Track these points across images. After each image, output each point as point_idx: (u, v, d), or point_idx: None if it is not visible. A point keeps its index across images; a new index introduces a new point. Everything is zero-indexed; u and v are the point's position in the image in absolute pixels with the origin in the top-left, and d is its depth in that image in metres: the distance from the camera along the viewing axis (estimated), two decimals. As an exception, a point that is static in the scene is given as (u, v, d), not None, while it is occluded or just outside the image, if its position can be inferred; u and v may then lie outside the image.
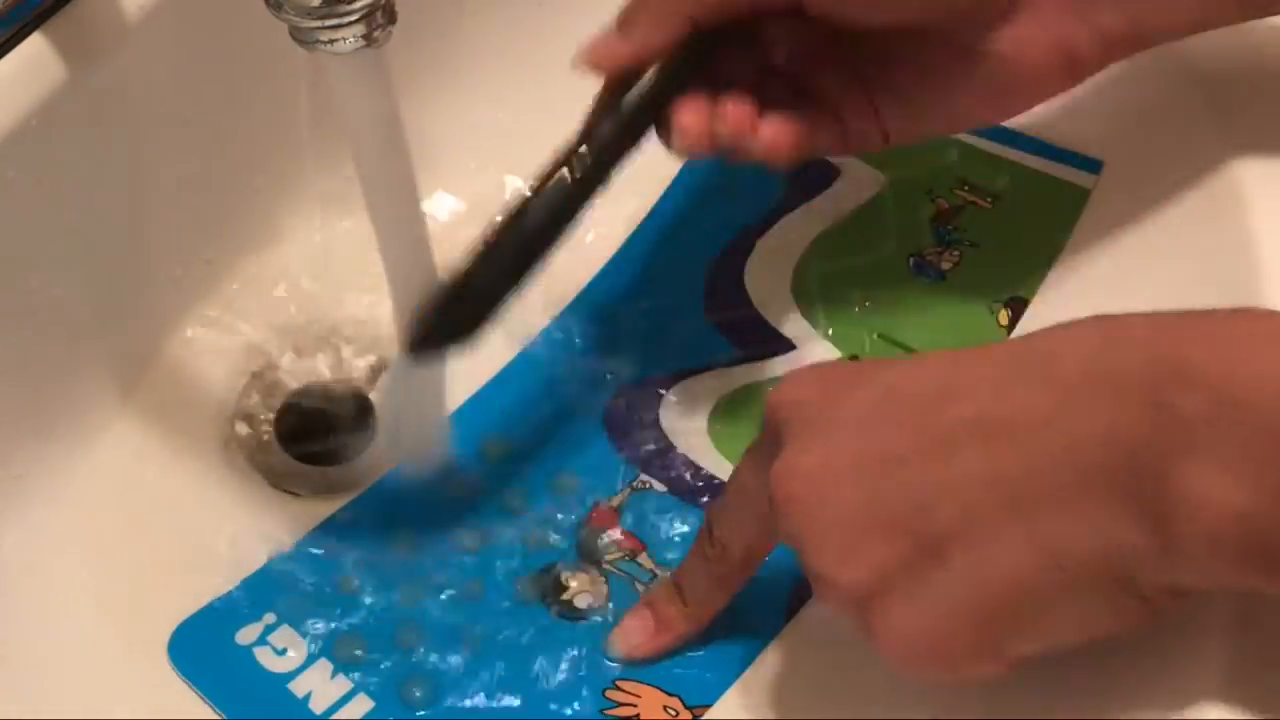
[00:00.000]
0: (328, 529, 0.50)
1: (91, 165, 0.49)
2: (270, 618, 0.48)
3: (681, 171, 0.58)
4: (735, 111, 0.45)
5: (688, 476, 0.51)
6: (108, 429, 0.52)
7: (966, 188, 0.55)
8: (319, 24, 0.38)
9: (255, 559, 0.50)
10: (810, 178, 0.56)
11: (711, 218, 0.57)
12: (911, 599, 0.36)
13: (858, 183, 0.56)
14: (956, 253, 0.54)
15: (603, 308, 0.55)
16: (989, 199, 0.55)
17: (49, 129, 0.46)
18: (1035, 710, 0.40)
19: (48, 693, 0.46)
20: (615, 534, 0.50)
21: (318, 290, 0.56)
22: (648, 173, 0.56)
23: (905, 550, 0.36)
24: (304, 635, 0.48)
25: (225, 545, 0.51)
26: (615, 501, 0.51)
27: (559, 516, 0.51)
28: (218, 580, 0.49)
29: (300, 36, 0.39)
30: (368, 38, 0.39)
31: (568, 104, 0.59)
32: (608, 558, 0.49)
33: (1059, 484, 0.34)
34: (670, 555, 0.49)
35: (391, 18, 0.39)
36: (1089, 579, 0.35)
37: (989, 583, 0.35)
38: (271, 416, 0.54)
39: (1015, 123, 0.53)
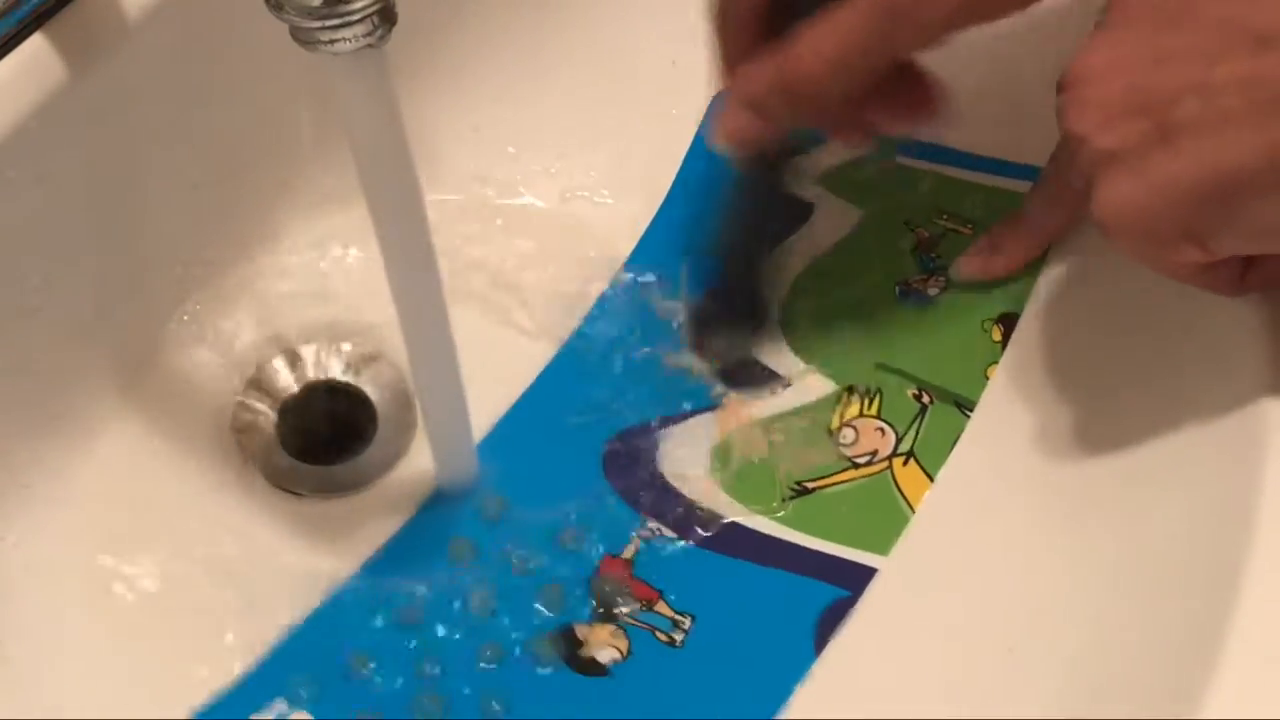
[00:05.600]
0: (333, 609, 0.49)
1: (91, 165, 0.49)
2: (282, 705, 0.47)
3: (658, 215, 0.57)
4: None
5: (695, 520, 0.51)
6: (107, 428, 0.52)
7: (945, 216, 0.55)
8: (320, 24, 0.38)
9: (254, 560, 0.50)
10: (784, 214, 0.56)
11: (691, 260, 0.56)
12: (1136, 173, 0.39)
13: (833, 218, 0.56)
14: (942, 279, 0.54)
15: (588, 356, 0.54)
16: (969, 225, 0.55)
17: (49, 129, 0.46)
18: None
19: (48, 693, 0.46)
20: (628, 584, 0.49)
21: (318, 289, 0.56)
22: (625, 197, 0.56)
23: (1148, 130, 0.39)
24: (317, 716, 0.47)
25: (226, 545, 0.51)
26: (626, 553, 0.50)
27: (568, 573, 0.50)
28: (218, 580, 0.49)
29: (301, 37, 0.39)
30: (368, 38, 0.39)
31: (568, 104, 0.59)
32: (624, 610, 0.49)
33: None
34: (688, 600, 0.49)
35: (392, 18, 0.39)
36: None
37: (1208, 169, 0.38)
38: (272, 416, 0.54)
39: (985, 149, 0.54)
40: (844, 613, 0.48)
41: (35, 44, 0.45)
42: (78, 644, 0.48)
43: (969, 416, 0.51)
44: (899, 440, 0.51)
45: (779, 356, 0.54)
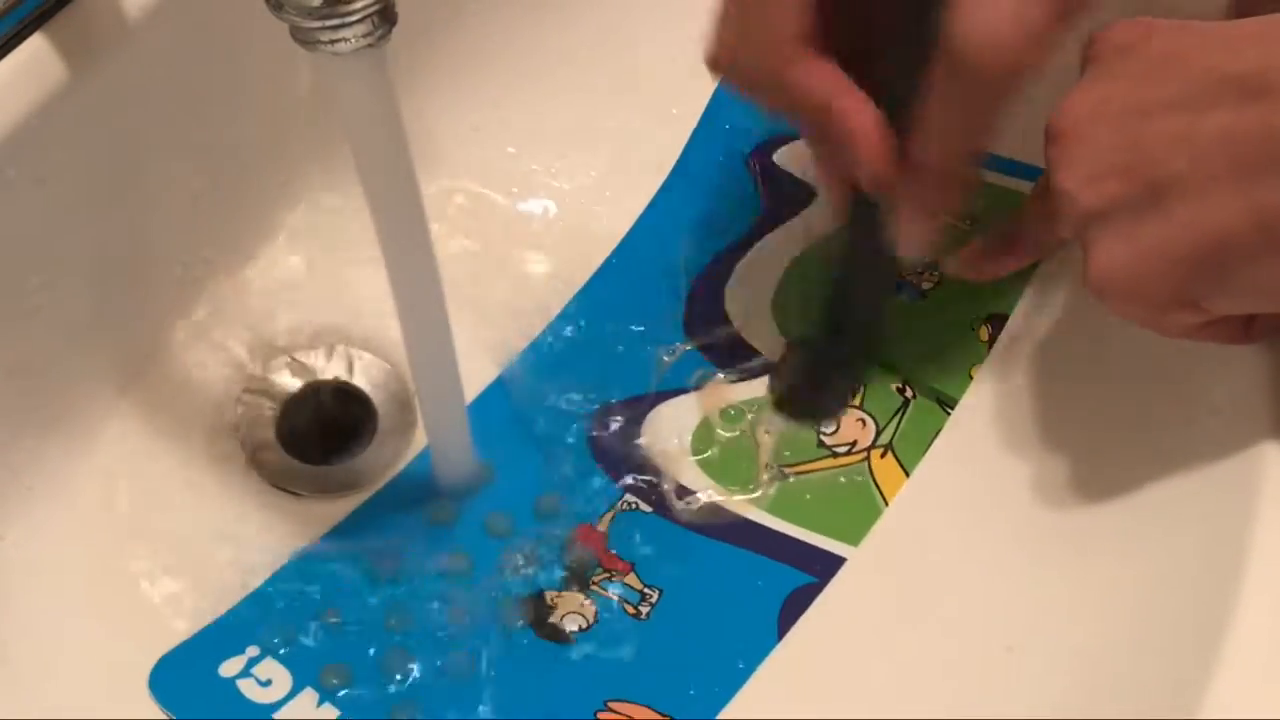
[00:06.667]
0: (308, 558, 0.50)
1: (91, 165, 0.48)
2: (254, 650, 0.48)
3: (658, 195, 0.57)
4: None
5: (673, 497, 0.51)
6: (108, 428, 0.52)
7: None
8: (320, 24, 0.38)
9: (253, 561, 0.50)
10: (786, 200, 0.56)
11: (689, 241, 0.56)
12: (1125, 237, 0.39)
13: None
14: (935, 274, 0.54)
15: (582, 330, 0.55)
16: (966, 220, 0.55)
17: (49, 129, 0.46)
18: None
19: (48, 693, 0.46)
20: (601, 554, 0.50)
21: (318, 289, 0.56)
22: (625, 196, 0.56)
23: (1135, 191, 0.38)
24: (288, 666, 0.47)
25: (226, 545, 0.51)
26: (601, 524, 0.50)
27: (543, 539, 0.50)
28: (218, 580, 0.49)
29: (301, 37, 0.39)
30: (368, 38, 0.39)
31: (568, 104, 0.59)
32: (594, 579, 0.49)
33: None
34: (657, 575, 0.49)
35: (392, 18, 0.39)
36: None
37: (1197, 233, 0.38)
38: (272, 416, 0.54)
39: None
40: (809, 599, 0.48)
41: (35, 44, 0.45)
42: (78, 644, 0.48)
43: (949, 414, 0.51)
44: (879, 433, 0.51)
45: (768, 340, 0.54)
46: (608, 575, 0.49)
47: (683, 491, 0.51)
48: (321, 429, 0.54)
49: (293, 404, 0.54)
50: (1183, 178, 0.38)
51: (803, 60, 0.43)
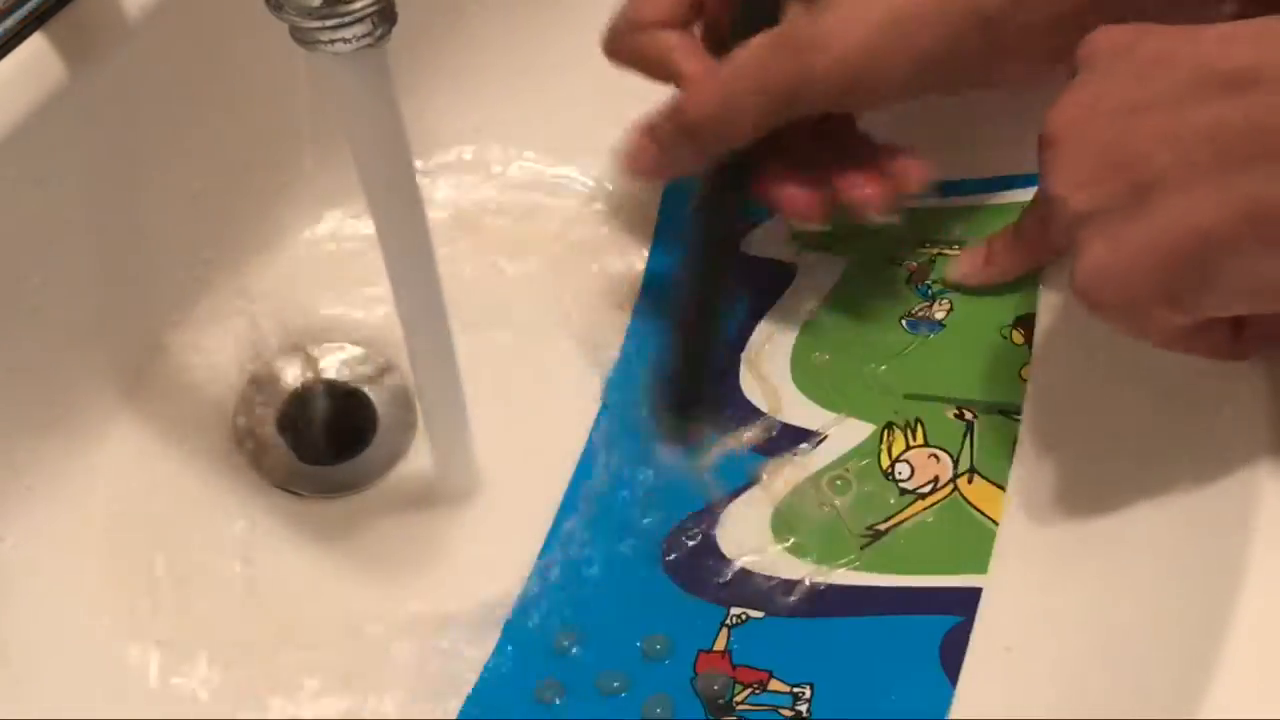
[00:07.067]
0: None
1: (91, 165, 0.48)
2: None
3: (637, 309, 0.56)
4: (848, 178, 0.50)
5: (778, 594, 0.49)
6: (108, 428, 0.52)
7: (928, 244, 0.55)
8: (319, 24, 0.38)
9: (254, 560, 0.50)
10: (768, 280, 0.55)
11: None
12: (1111, 238, 0.39)
13: (818, 274, 0.55)
14: (946, 302, 0.54)
15: (612, 468, 0.53)
16: (955, 246, 0.54)
17: (49, 129, 0.46)
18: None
19: (48, 693, 0.46)
20: (734, 674, 0.47)
21: (318, 289, 0.56)
22: (626, 197, 0.56)
23: (1122, 191, 0.38)
24: None
25: (225, 545, 0.51)
26: (718, 644, 0.48)
27: (667, 682, 0.47)
28: (217, 580, 0.49)
29: (301, 37, 0.39)
30: (368, 38, 0.39)
31: (568, 104, 0.59)
32: (737, 700, 0.47)
33: (1277, 141, 0.36)
34: (799, 671, 0.47)
35: (392, 18, 0.39)
36: (1275, 240, 0.36)
37: (1181, 228, 0.37)
38: (273, 416, 0.54)
39: (949, 174, 0.54)
40: (963, 638, 0.46)
41: (35, 44, 0.45)
42: (78, 644, 0.48)
43: (1016, 420, 0.50)
44: (956, 461, 0.50)
45: (806, 414, 0.52)
46: (750, 690, 0.47)
47: (786, 585, 0.49)
48: (322, 429, 0.54)
49: (293, 404, 0.54)
50: (1168, 174, 0.38)
51: (659, 34, 0.51)
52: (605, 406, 0.54)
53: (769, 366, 0.54)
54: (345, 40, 0.39)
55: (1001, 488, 0.49)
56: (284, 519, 0.51)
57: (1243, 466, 0.42)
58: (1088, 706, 0.42)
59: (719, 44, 0.50)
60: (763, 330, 0.55)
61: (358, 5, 0.38)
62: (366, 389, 0.55)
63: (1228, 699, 0.38)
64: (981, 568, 0.48)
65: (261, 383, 0.54)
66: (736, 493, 0.51)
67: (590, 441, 0.53)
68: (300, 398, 0.54)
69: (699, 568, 0.50)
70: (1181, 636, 0.41)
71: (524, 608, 0.49)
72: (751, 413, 0.53)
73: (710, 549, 0.50)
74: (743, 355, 0.54)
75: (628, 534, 0.51)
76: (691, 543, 0.50)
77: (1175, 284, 0.39)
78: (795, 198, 0.51)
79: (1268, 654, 0.38)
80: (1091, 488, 0.47)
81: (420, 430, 0.53)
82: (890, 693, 0.46)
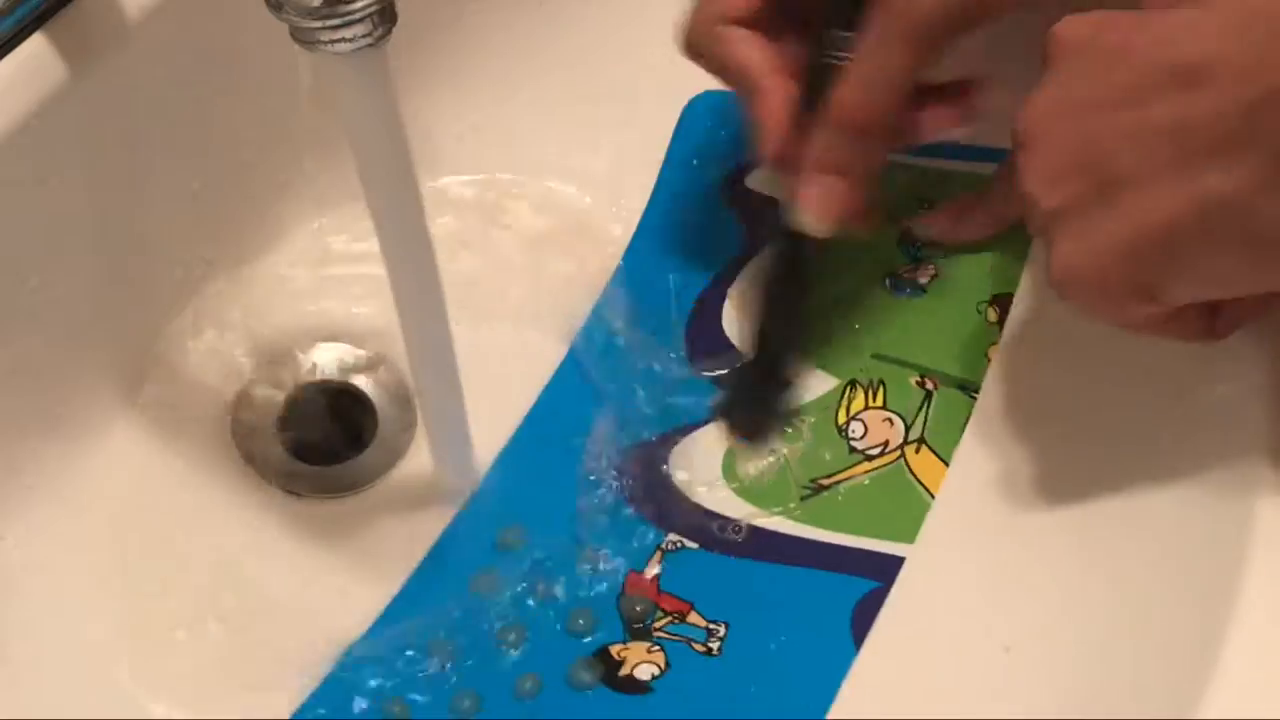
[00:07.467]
0: (363, 649, 0.48)
1: (91, 165, 0.48)
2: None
3: (639, 228, 0.57)
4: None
5: (715, 528, 0.50)
6: (108, 428, 0.52)
7: (926, 205, 0.55)
8: (320, 24, 0.38)
9: (254, 560, 0.50)
10: (766, 220, 0.55)
11: (677, 274, 0.56)
12: (1079, 234, 0.40)
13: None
14: (931, 267, 0.54)
15: (587, 377, 0.54)
16: (928, 203, 0.55)
17: (49, 129, 0.46)
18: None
19: (48, 693, 0.46)
20: (656, 599, 0.49)
21: (319, 289, 0.56)
22: (626, 198, 0.56)
23: (1090, 189, 0.39)
24: None
25: (225, 546, 0.51)
26: (649, 569, 0.50)
27: (595, 595, 0.49)
28: (217, 580, 0.49)
29: (301, 37, 0.39)
30: (368, 38, 0.39)
31: (568, 104, 0.59)
32: (656, 625, 0.48)
33: (1235, 134, 0.36)
34: (719, 608, 0.48)
35: (392, 18, 0.39)
36: (1238, 230, 0.37)
37: (1144, 223, 0.38)
38: (272, 416, 0.54)
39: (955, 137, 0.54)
40: (878, 604, 0.48)
41: (35, 44, 0.45)
42: (78, 644, 0.48)
43: (974, 398, 0.51)
44: (908, 428, 0.51)
45: None
46: (669, 619, 0.49)
47: (725, 522, 0.50)
48: (322, 429, 0.54)
49: (293, 404, 0.54)
50: (1132, 171, 0.38)
51: (735, 39, 0.49)
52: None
53: (752, 306, 0.55)
54: (345, 40, 0.39)
55: (945, 462, 0.50)
56: (283, 519, 0.51)
57: (1220, 474, 0.43)
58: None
59: (794, 31, 0.49)
60: (754, 267, 0.55)
61: (358, 5, 0.38)
62: (366, 389, 0.55)
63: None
64: (910, 537, 0.49)
65: (261, 383, 0.54)
66: (695, 425, 0.52)
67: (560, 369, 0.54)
68: (300, 398, 0.54)
69: (646, 489, 0.51)
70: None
71: (479, 496, 0.51)
72: (728, 349, 0.54)
73: (660, 474, 0.52)
74: (731, 288, 0.55)
75: (584, 452, 0.52)
76: (642, 467, 0.52)
77: (1143, 275, 0.39)
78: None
79: (1267, 650, 0.38)
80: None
81: (420, 430, 0.53)
82: (799, 645, 0.47)
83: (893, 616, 0.48)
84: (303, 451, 0.53)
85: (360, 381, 0.55)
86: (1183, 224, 0.38)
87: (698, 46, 0.50)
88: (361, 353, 0.55)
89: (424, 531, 0.51)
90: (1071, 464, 0.48)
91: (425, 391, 0.50)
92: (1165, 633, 0.42)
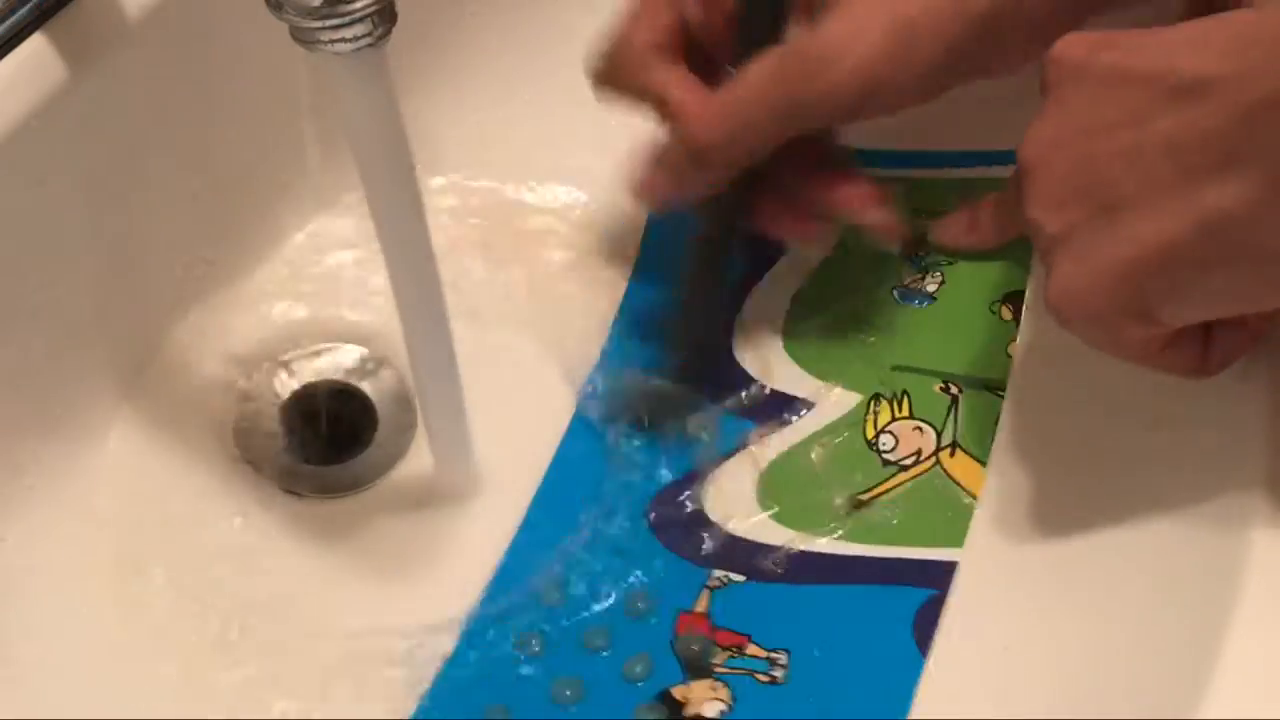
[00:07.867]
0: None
1: (91, 165, 0.49)
2: None
3: (637, 267, 0.57)
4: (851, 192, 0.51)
5: (759, 558, 0.49)
6: (108, 429, 0.52)
7: (923, 215, 0.55)
8: (320, 24, 0.38)
9: (255, 561, 0.50)
10: (765, 245, 0.55)
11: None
12: (1079, 258, 0.40)
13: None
14: (938, 274, 0.54)
15: (604, 421, 0.53)
16: (928, 214, 0.55)
17: (49, 129, 0.46)
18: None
19: (48, 693, 0.46)
20: (711, 635, 0.48)
21: (319, 289, 0.56)
22: (626, 197, 0.56)
23: (1091, 213, 0.40)
24: None
25: (226, 546, 0.51)
26: (699, 606, 0.49)
27: (647, 640, 0.48)
28: (218, 580, 0.49)
29: (301, 37, 0.39)
30: (368, 37, 0.39)
31: (568, 104, 0.59)
32: (714, 662, 0.48)
33: (1233, 148, 0.36)
34: (776, 636, 0.48)
35: (392, 17, 0.39)
36: (1238, 246, 0.37)
37: (1142, 245, 0.38)
38: (273, 416, 0.54)
39: (947, 144, 0.55)
40: (937, 611, 0.47)
41: (35, 44, 0.45)
42: (78, 644, 0.48)
43: (1001, 397, 0.51)
44: (939, 434, 0.51)
45: (795, 381, 0.53)
46: (728, 653, 0.48)
47: (767, 550, 0.50)
48: (322, 429, 0.54)
49: (293, 404, 0.54)
50: (1132, 193, 0.38)
51: (654, 66, 0.51)
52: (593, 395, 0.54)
53: (762, 333, 0.55)
54: (345, 40, 0.39)
55: (982, 463, 0.50)
56: (283, 519, 0.51)
57: (1241, 452, 0.43)
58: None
59: (706, 69, 0.51)
60: (757, 296, 0.55)
61: (358, 5, 0.38)
62: (366, 389, 0.55)
63: (1227, 700, 0.38)
64: (958, 541, 0.48)
65: (261, 383, 0.54)
66: (725, 457, 0.52)
67: (576, 419, 0.54)
68: (300, 398, 0.54)
69: (684, 530, 0.51)
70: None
71: (512, 557, 0.50)
72: (743, 379, 0.54)
73: (695, 511, 0.51)
74: (737, 320, 0.55)
75: (615, 495, 0.51)
76: (677, 506, 0.51)
77: (1141, 297, 0.39)
78: (802, 230, 0.53)
79: (1269, 651, 0.38)
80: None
81: (420, 430, 0.53)
82: (864, 661, 0.47)
83: (957, 620, 0.47)
84: (303, 451, 0.53)
85: (360, 382, 0.55)
86: (1183, 242, 0.38)
87: (618, 75, 0.51)
88: (361, 353, 0.55)
89: (424, 532, 0.51)
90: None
91: (425, 391, 0.50)
92: (1165, 633, 0.42)
